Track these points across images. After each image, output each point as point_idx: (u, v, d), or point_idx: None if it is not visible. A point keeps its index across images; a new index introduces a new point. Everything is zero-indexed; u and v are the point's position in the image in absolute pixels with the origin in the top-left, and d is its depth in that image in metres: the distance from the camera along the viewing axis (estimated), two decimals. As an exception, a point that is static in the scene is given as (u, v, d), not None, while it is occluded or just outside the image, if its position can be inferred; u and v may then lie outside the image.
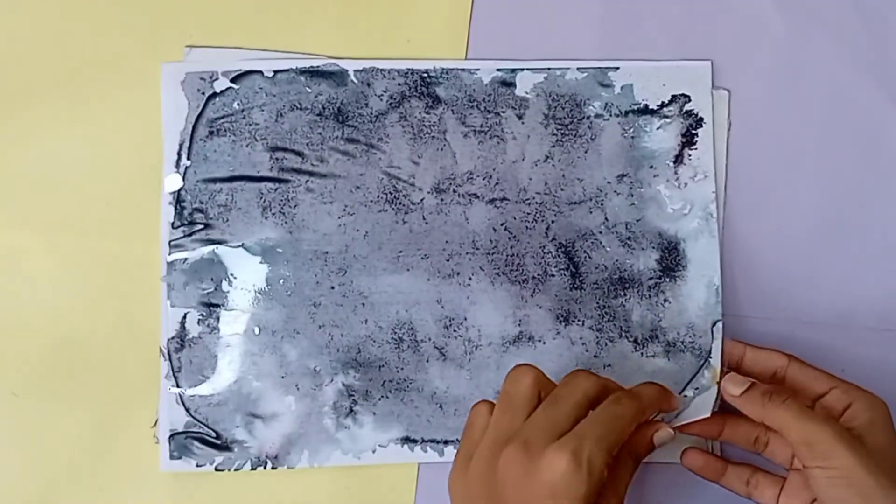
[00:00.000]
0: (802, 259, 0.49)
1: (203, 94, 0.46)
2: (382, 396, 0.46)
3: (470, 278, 0.47)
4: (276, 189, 0.46)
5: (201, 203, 0.46)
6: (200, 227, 0.46)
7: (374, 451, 0.46)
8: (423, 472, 0.47)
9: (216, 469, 0.46)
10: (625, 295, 0.47)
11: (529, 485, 0.36)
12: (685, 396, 0.46)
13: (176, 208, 0.46)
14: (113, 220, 0.47)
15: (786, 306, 0.48)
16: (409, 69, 0.47)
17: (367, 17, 0.48)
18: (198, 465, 0.46)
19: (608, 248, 0.47)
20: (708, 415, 0.44)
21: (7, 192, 0.47)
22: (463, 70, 0.47)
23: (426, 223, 0.47)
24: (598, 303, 0.47)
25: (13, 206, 0.47)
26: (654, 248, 0.47)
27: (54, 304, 0.47)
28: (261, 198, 0.46)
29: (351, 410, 0.46)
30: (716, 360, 0.47)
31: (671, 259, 0.47)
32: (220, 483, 0.46)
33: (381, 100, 0.47)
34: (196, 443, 0.46)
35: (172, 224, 0.46)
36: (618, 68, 0.48)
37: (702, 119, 0.48)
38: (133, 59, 0.47)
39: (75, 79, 0.47)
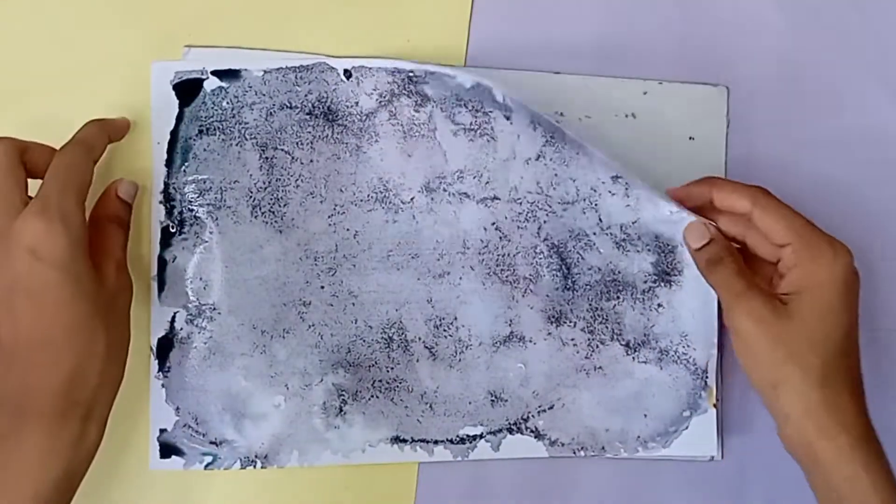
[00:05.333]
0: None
1: (193, 93, 0.46)
2: (372, 396, 0.46)
3: (460, 278, 0.46)
4: (265, 188, 0.46)
5: (191, 202, 0.46)
6: (190, 225, 0.46)
7: (363, 451, 0.46)
8: (424, 471, 0.47)
9: (205, 468, 0.46)
10: (618, 298, 0.47)
11: (10, 259, 0.37)
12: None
13: (166, 207, 0.46)
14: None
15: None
16: (395, 68, 0.46)
17: (367, 17, 0.48)
18: (187, 464, 0.46)
19: (602, 250, 0.47)
20: (713, 440, 0.46)
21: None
22: (444, 74, 0.45)
23: (416, 222, 0.47)
24: (590, 304, 0.47)
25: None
26: (649, 251, 0.46)
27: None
28: (250, 197, 0.46)
29: (340, 410, 0.46)
30: (712, 380, 0.47)
31: (667, 263, 0.46)
32: (215, 482, 0.47)
33: (371, 98, 0.46)
34: (185, 441, 0.46)
35: (162, 222, 0.46)
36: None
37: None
38: (131, 59, 0.47)
39: (72, 79, 0.47)
